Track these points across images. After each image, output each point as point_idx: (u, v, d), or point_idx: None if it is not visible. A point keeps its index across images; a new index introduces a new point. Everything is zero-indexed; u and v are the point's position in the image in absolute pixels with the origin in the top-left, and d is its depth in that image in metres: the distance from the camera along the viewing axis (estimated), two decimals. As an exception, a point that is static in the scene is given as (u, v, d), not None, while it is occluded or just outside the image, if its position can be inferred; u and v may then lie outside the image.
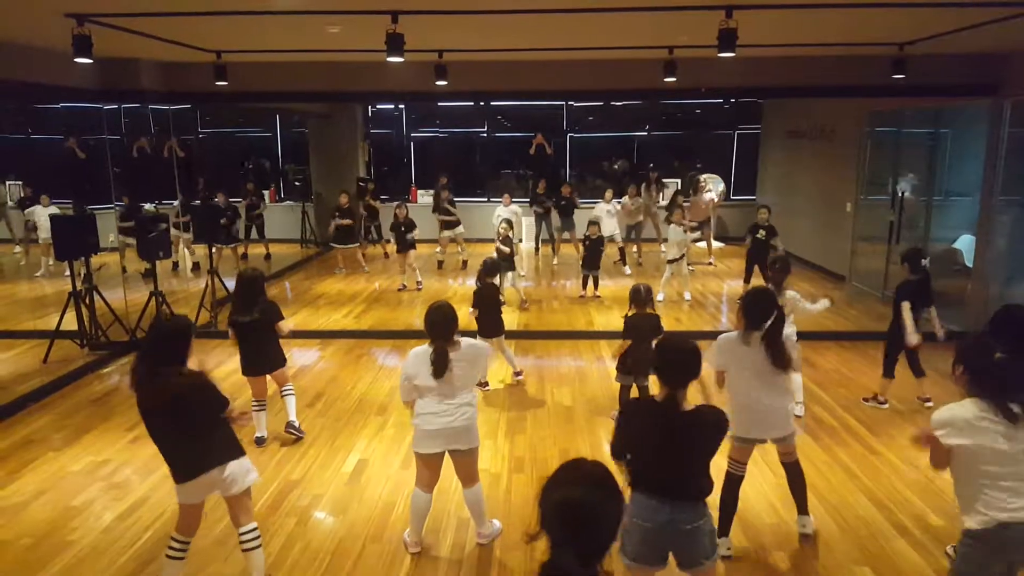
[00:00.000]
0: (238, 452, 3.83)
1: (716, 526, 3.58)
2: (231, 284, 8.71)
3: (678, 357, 3.13)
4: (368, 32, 6.29)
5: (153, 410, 3.63)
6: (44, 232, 10.94)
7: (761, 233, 9.69)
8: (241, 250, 13.49)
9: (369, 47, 6.78)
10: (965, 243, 9.30)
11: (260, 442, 5.76)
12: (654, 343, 3.48)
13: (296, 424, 5.88)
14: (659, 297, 10.27)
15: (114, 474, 5.36)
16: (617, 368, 6.01)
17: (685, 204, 12.64)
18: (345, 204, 12.06)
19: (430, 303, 4.24)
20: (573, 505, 1.85)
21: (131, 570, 4.20)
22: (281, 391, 5.88)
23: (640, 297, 5.86)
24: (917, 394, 6.53)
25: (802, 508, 4.49)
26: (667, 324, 9.02)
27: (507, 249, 9.50)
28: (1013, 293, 8.40)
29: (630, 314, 5.90)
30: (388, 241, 13.27)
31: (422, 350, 4.14)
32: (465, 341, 4.20)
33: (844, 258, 11.12)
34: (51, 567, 4.22)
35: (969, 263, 8.92)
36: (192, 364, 3.78)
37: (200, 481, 3.72)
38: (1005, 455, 2.88)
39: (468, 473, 4.32)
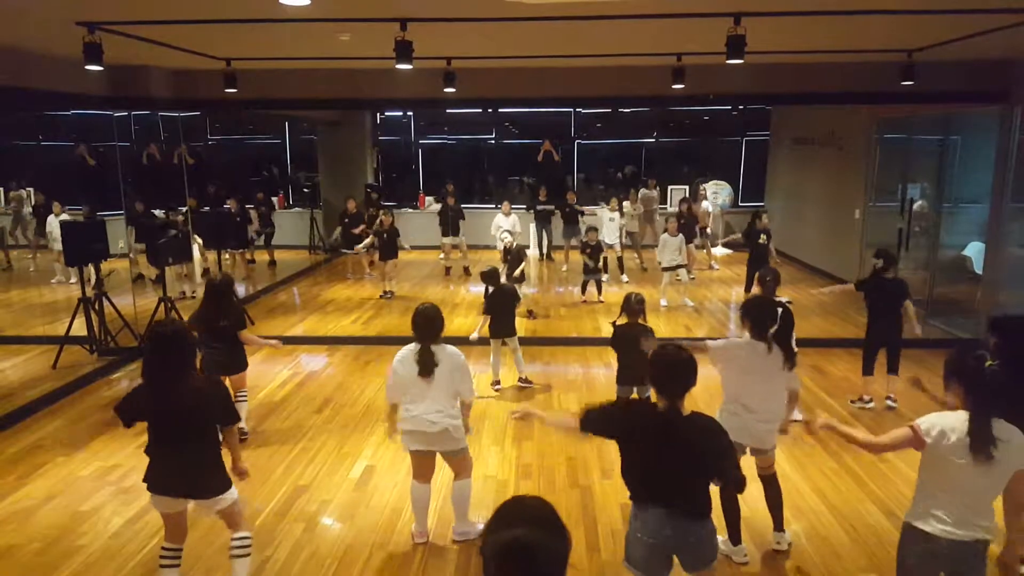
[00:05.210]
0: (214, 491, 3.67)
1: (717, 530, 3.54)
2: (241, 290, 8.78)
3: (670, 368, 3.09)
4: (377, 40, 6.32)
5: (172, 410, 3.55)
6: (57, 239, 11.03)
7: (762, 238, 9.62)
8: (248, 255, 13.53)
9: (378, 54, 6.81)
10: (975, 250, 9.24)
11: None
12: (649, 355, 3.34)
13: (244, 428, 6.03)
14: (663, 303, 10.26)
15: (123, 479, 5.38)
16: (617, 380, 5.80)
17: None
18: (353, 210, 12.05)
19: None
20: (515, 547, 1.66)
21: (139, 575, 4.21)
22: (236, 395, 5.90)
23: (631, 307, 5.66)
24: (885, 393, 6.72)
25: (778, 524, 4.44)
26: (676, 331, 9.11)
27: (514, 264, 9.13)
28: (1023, 300, 8.36)
29: (619, 323, 5.79)
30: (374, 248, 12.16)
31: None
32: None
33: (853, 265, 11.08)
34: (60, 572, 4.23)
35: (979, 270, 8.87)
36: None
37: (163, 499, 3.67)
38: None
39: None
